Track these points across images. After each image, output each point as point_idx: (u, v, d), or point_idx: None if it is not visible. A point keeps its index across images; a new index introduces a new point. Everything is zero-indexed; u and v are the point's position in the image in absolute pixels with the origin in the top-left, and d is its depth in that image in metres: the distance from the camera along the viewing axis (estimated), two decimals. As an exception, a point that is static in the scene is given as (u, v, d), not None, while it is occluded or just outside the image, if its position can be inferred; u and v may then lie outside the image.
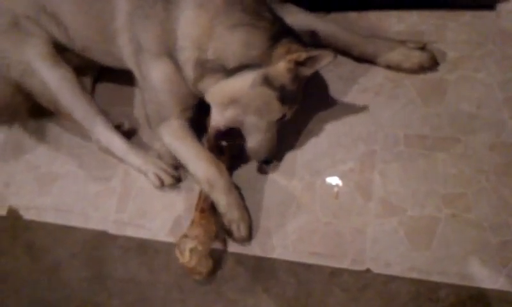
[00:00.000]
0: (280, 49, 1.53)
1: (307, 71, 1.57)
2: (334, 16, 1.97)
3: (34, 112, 2.01)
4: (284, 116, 1.64)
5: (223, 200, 1.65)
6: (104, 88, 2.11)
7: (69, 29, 1.85)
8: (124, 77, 1.96)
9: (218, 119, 1.64)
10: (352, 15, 1.97)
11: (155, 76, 1.71)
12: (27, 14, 1.85)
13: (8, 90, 1.90)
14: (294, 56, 1.52)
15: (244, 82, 1.56)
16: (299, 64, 1.54)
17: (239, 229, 1.67)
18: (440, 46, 1.83)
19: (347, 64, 1.86)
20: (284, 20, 1.65)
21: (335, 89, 1.85)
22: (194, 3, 1.58)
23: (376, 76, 1.83)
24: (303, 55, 1.51)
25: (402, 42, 1.82)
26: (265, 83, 1.55)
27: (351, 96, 1.83)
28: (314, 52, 1.52)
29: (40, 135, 2.09)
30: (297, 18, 1.79)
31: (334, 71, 1.86)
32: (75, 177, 1.98)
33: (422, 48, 1.81)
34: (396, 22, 1.92)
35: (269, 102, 1.58)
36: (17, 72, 1.87)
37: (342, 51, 1.83)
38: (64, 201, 1.96)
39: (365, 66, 1.85)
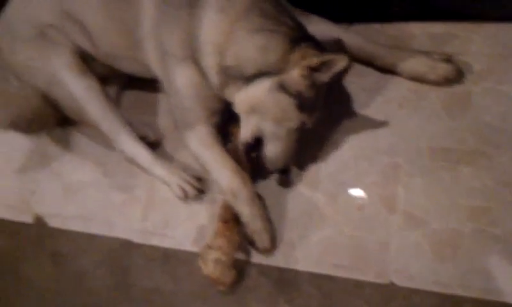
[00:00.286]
0: (297, 54, 1.52)
1: (323, 77, 1.54)
2: (357, 27, 1.97)
3: (63, 121, 2.04)
4: (304, 124, 1.62)
5: (246, 211, 1.65)
6: (128, 97, 2.13)
7: (94, 36, 1.87)
8: (148, 86, 1.98)
9: (245, 131, 1.65)
10: (375, 26, 1.96)
11: (181, 81, 1.72)
12: (53, 23, 1.87)
13: (37, 102, 1.93)
14: (307, 62, 1.51)
15: (261, 89, 1.56)
16: (313, 70, 1.52)
17: (262, 240, 1.67)
18: (464, 58, 1.82)
19: (370, 75, 1.86)
20: (306, 28, 1.65)
21: (358, 100, 1.84)
22: (216, 8, 1.59)
23: (400, 88, 1.82)
24: (315, 60, 1.50)
25: (427, 53, 1.80)
26: (281, 89, 1.54)
27: (375, 108, 1.82)
28: (327, 57, 1.50)
29: (66, 144, 2.12)
30: (320, 28, 1.78)
31: (357, 82, 1.86)
32: (100, 185, 2.01)
33: (448, 60, 1.79)
34: (419, 33, 1.91)
35: (286, 108, 1.57)
36: (43, 82, 1.89)
37: (366, 62, 1.84)
38: (89, 209, 1.99)
39: (389, 77, 1.84)
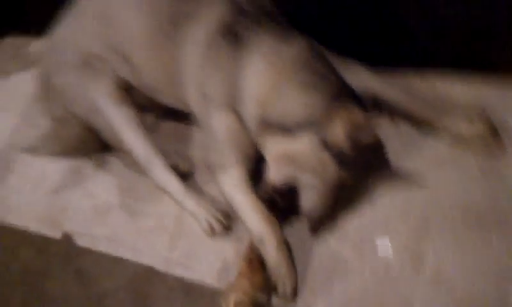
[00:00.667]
0: (341, 113, 1.54)
1: (365, 138, 1.55)
2: (393, 75, 1.97)
3: (104, 146, 2.10)
4: (343, 180, 1.63)
5: (272, 258, 1.64)
6: (163, 126, 2.17)
7: (136, 69, 1.91)
8: (184, 117, 2.01)
9: (274, 176, 1.65)
10: (412, 75, 1.98)
11: (218, 126, 1.75)
12: (98, 53, 1.92)
13: (81, 130, 2.00)
14: (353, 122, 1.52)
15: (302, 144, 1.58)
16: (357, 130, 1.53)
17: (284, 288, 1.65)
18: (502, 115, 1.82)
19: (406, 128, 1.86)
20: (347, 79, 1.66)
21: (392, 152, 1.84)
22: (262, 59, 1.62)
23: (436, 143, 1.83)
24: (361, 122, 1.52)
25: (465, 109, 1.81)
26: (323, 147, 1.56)
27: (408, 162, 1.82)
28: (372, 119, 1.54)
29: (100, 165, 2.15)
30: (359, 78, 1.80)
31: (393, 132, 1.86)
32: (129, 210, 2.03)
33: (484, 118, 1.79)
34: (457, 85, 1.94)
35: (326, 165, 1.58)
36: (81, 108, 1.94)
37: (403, 115, 1.84)
38: (117, 232, 2.00)
39: (425, 132, 1.85)
